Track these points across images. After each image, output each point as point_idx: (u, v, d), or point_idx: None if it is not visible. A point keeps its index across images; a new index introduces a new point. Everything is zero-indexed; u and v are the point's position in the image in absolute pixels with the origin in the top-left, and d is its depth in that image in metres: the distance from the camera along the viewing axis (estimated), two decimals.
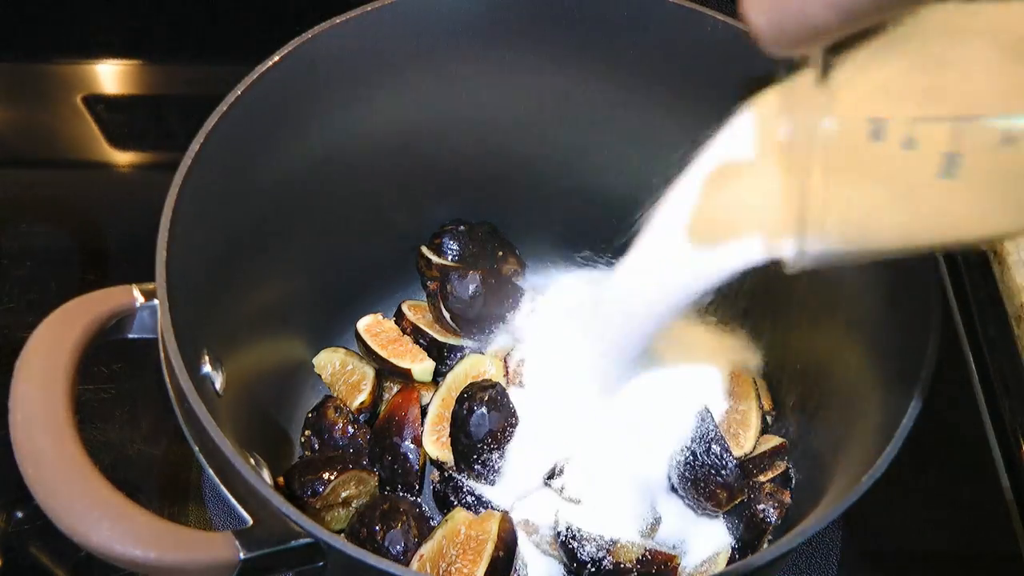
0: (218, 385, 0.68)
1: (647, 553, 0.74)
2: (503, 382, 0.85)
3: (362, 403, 0.88)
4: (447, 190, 0.94)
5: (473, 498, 0.81)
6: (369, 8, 0.76)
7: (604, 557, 0.74)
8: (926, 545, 0.88)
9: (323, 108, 0.79)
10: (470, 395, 0.80)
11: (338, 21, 0.75)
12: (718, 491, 0.78)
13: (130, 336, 0.64)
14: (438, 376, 0.90)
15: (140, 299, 0.62)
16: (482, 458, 0.79)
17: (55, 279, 1.02)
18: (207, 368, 0.67)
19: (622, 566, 0.74)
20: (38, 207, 1.10)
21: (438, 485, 0.84)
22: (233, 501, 0.59)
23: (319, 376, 0.92)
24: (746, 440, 0.83)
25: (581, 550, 0.75)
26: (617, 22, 0.80)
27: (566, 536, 0.75)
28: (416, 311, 0.95)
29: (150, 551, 0.51)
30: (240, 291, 0.77)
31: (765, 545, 0.79)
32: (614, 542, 0.75)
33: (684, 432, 0.80)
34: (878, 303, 0.72)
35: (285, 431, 0.89)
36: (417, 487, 0.84)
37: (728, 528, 0.83)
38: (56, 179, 1.14)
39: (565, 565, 0.78)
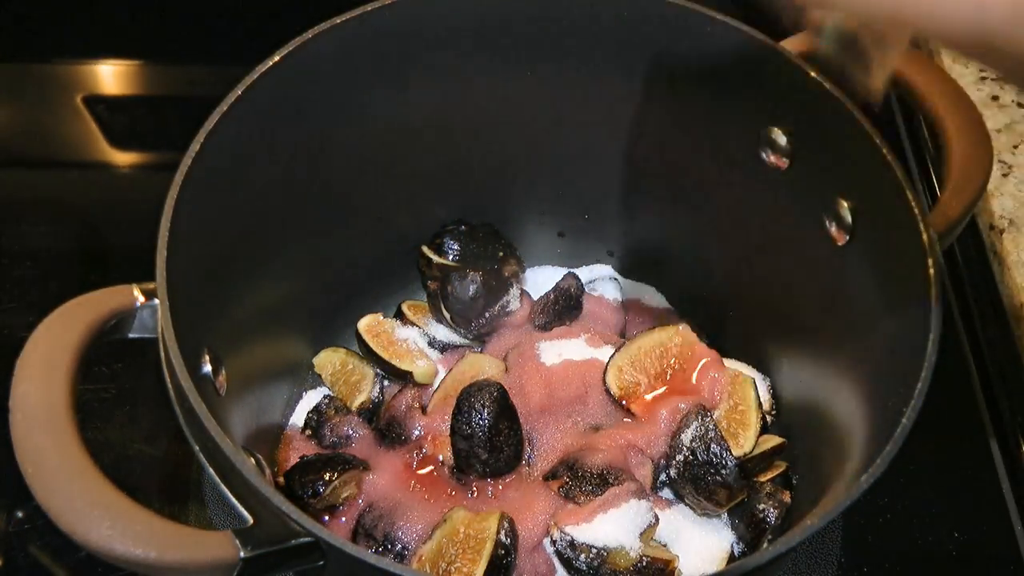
0: (218, 385, 0.68)
1: (644, 559, 0.74)
2: (503, 382, 0.85)
3: (362, 403, 0.88)
4: (447, 190, 0.94)
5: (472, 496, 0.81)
6: (369, 8, 0.76)
7: (600, 565, 0.74)
8: (926, 545, 0.88)
9: (323, 108, 0.79)
10: (469, 396, 0.80)
11: (338, 21, 0.75)
12: (718, 491, 0.78)
13: (130, 336, 0.64)
14: (438, 376, 0.90)
15: (140, 299, 0.62)
16: (482, 459, 0.79)
17: (55, 279, 1.02)
18: (207, 368, 0.67)
19: (619, 573, 0.74)
20: (38, 207, 1.10)
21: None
22: (233, 500, 0.59)
23: (319, 376, 0.92)
24: (746, 440, 0.83)
25: (576, 559, 0.74)
26: (616, 22, 0.80)
27: (561, 545, 0.75)
28: (416, 311, 0.95)
29: (150, 550, 0.51)
30: (240, 291, 0.77)
31: (765, 545, 0.79)
32: (609, 549, 0.74)
33: (684, 431, 0.80)
34: (878, 303, 0.72)
35: (285, 431, 0.89)
36: None
37: (728, 528, 0.83)
38: (56, 179, 1.14)
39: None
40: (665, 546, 0.80)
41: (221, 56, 1.23)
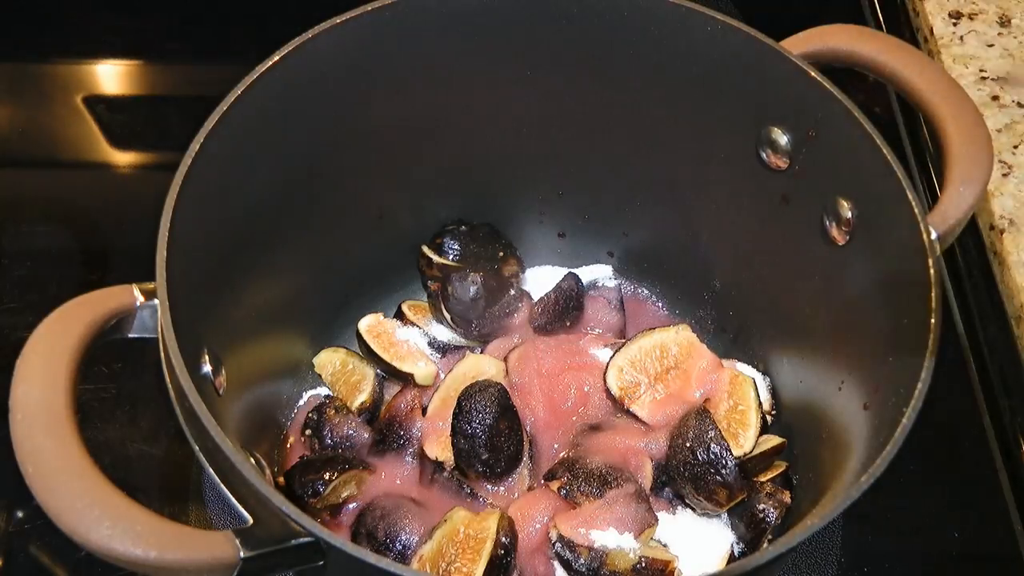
0: (218, 385, 0.68)
1: (643, 560, 0.74)
2: (503, 382, 0.85)
3: (363, 403, 0.88)
4: (447, 190, 0.94)
5: (472, 497, 0.81)
6: (369, 8, 0.76)
7: (599, 567, 0.74)
8: (926, 545, 0.88)
9: (323, 108, 0.79)
10: (470, 396, 0.80)
11: (338, 21, 0.75)
12: (718, 490, 0.78)
13: (130, 336, 0.64)
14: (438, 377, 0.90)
15: (140, 299, 0.62)
16: (482, 459, 0.79)
17: (55, 279, 1.02)
18: (207, 368, 0.67)
19: (618, 574, 0.74)
20: (38, 207, 1.10)
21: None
22: (233, 500, 0.59)
23: (319, 376, 0.92)
24: (746, 440, 0.83)
25: (576, 561, 0.74)
26: (616, 22, 0.80)
27: (560, 547, 0.75)
28: (416, 311, 0.95)
29: (150, 550, 0.51)
30: (240, 291, 0.77)
31: (765, 545, 0.79)
32: (608, 550, 0.74)
33: (684, 431, 0.80)
34: (878, 304, 0.72)
35: (285, 431, 0.89)
36: None
37: (728, 528, 0.83)
38: (56, 179, 1.14)
39: None
40: (665, 546, 0.80)
41: (221, 56, 1.24)
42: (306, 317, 0.91)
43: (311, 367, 0.92)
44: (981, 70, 1.16)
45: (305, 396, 0.91)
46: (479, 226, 0.96)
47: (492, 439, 0.79)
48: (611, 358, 0.87)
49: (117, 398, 0.92)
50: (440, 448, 0.83)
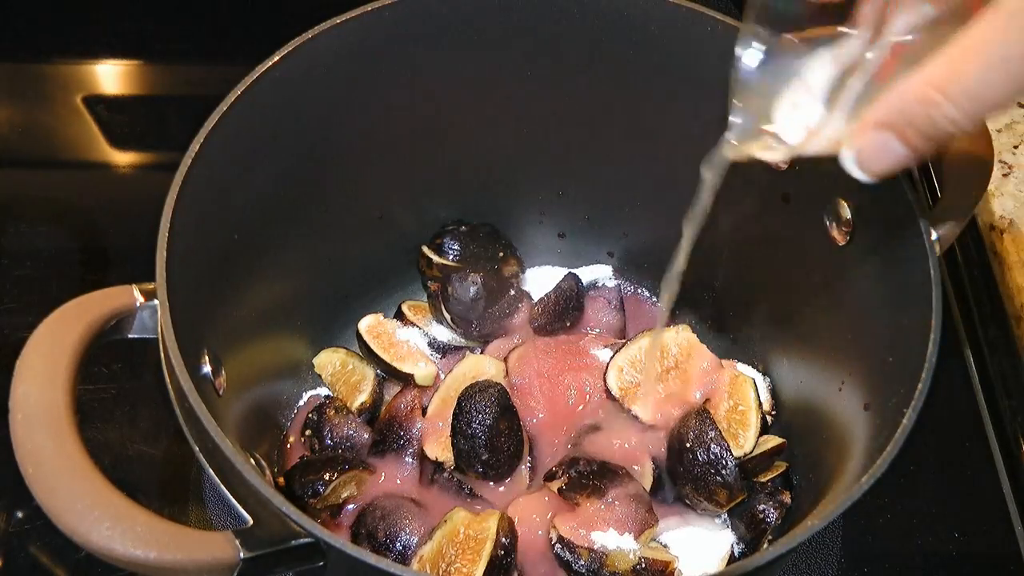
0: (218, 385, 0.68)
1: (643, 561, 0.74)
2: (503, 382, 0.85)
3: (363, 403, 0.88)
4: (448, 190, 0.94)
5: (472, 497, 0.81)
6: (369, 8, 0.76)
7: (599, 568, 0.74)
8: (926, 545, 0.88)
9: (323, 108, 0.79)
10: (470, 396, 0.80)
11: (338, 21, 0.75)
12: (718, 491, 0.78)
13: (130, 336, 0.64)
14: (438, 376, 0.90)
15: (140, 299, 0.62)
16: (482, 459, 0.79)
17: (55, 279, 1.02)
18: (207, 368, 0.67)
19: (617, 575, 0.74)
20: (38, 207, 1.10)
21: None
22: (233, 501, 0.59)
23: (319, 376, 0.92)
24: (746, 440, 0.83)
25: (575, 562, 0.74)
26: (616, 22, 0.80)
27: (560, 547, 0.75)
28: (417, 311, 0.95)
29: (150, 551, 0.51)
30: (240, 291, 0.77)
31: (765, 545, 0.79)
32: (608, 551, 0.74)
33: (684, 432, 0.80)
34: (878, 304, 0.72)
35: (285, 432, 0.89)
36: None
37: (728, 528, 0.83)
38: (56, 179, 1.14)
39: None
40: (665, 547, 0.80)
41: (221, 56, 1.24)
42: (306, 317, 0.91)
43: (311, 367, 0.92)
44: None
45: (305, 396, 0.91)
46: (479, 226, 0.96)
47: (492, 439, 0.79)
48: (611, 358, 0.87)
49: (117, 398, 0.92)
50: (440, 448, 0.83)
